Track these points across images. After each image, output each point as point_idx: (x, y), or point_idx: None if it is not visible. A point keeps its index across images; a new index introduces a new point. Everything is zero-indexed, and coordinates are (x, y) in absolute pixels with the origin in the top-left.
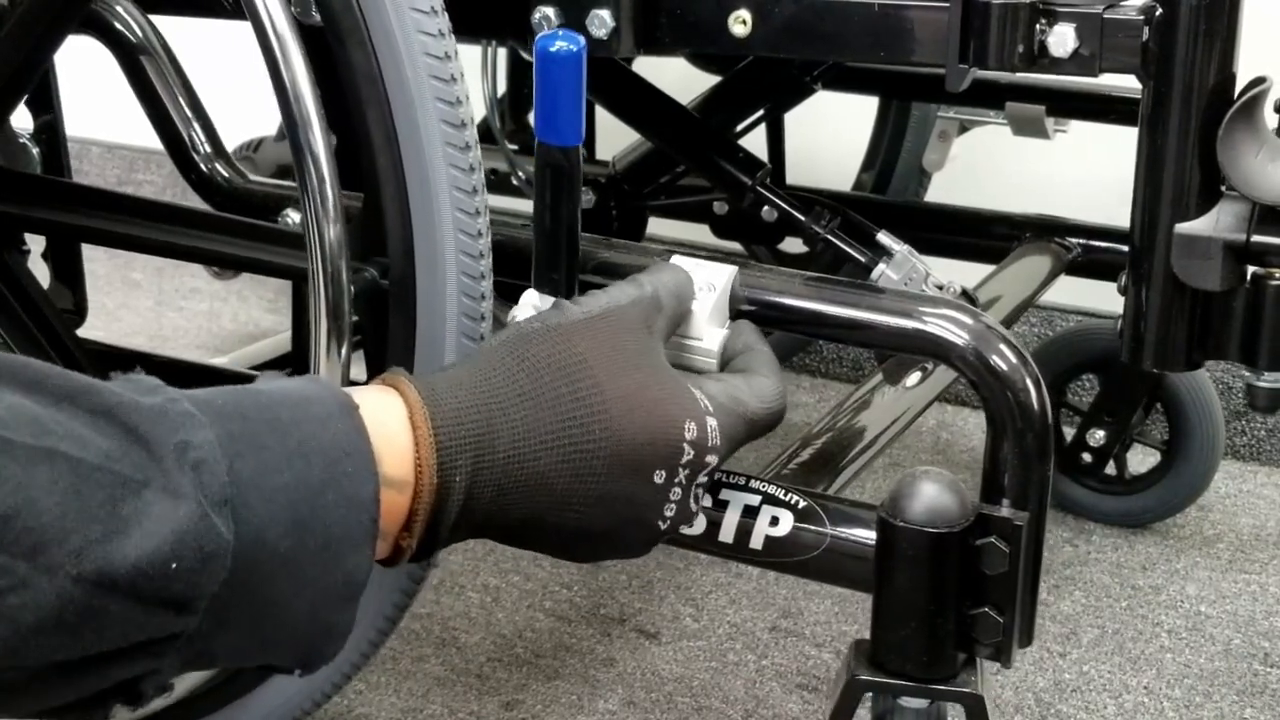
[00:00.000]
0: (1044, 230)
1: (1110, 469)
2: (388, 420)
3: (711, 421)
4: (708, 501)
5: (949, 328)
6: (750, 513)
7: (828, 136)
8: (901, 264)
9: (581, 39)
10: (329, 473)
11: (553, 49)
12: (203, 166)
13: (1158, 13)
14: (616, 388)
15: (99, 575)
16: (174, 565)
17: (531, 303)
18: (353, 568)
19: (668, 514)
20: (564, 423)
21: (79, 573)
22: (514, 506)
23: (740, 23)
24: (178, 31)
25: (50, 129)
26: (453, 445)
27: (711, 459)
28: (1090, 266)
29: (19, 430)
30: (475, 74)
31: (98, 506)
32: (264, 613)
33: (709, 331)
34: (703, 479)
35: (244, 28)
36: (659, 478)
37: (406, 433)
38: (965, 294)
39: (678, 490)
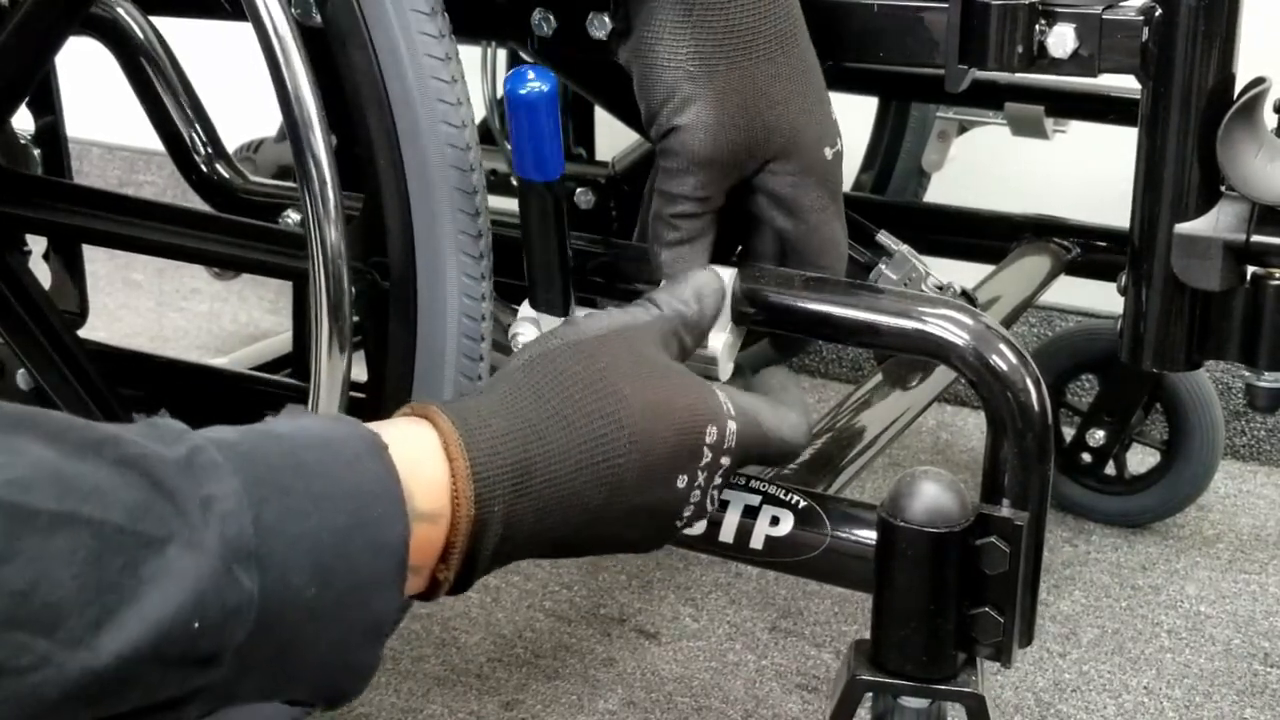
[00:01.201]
0: (1043, 230)
1: (1110, 469)
2: (420, 454)
3: (731, 425)
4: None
5: (949, 328)
6: (750, 513)
7: None
8: (901, 264)
9: (553, 75)
10: (356, 517)
11: (523, 90)
12: (203, 167)
13: (1157, 13)
14: (641, 399)
15: (121, 644)
16: (196, 624)
17: (528, 317)
18: (380, 610)
19: (685, 514)
20: (596, 441)
21: (100, 644)
22: (552, 530)
23: None
24: (178, 32)
25: (51, 130)
26: (489, 476)
27: (725, 460)
28: (1090, 266)
29: (42, 492)
30: (475, 74)
31: (118, 572)
32: (288, 656)
33: (711, 336)
34: (718, 480)
35: (244, 28)
36: (681, 483)
37: (441, 465)
38: (965, 294)
39: (696, 493)
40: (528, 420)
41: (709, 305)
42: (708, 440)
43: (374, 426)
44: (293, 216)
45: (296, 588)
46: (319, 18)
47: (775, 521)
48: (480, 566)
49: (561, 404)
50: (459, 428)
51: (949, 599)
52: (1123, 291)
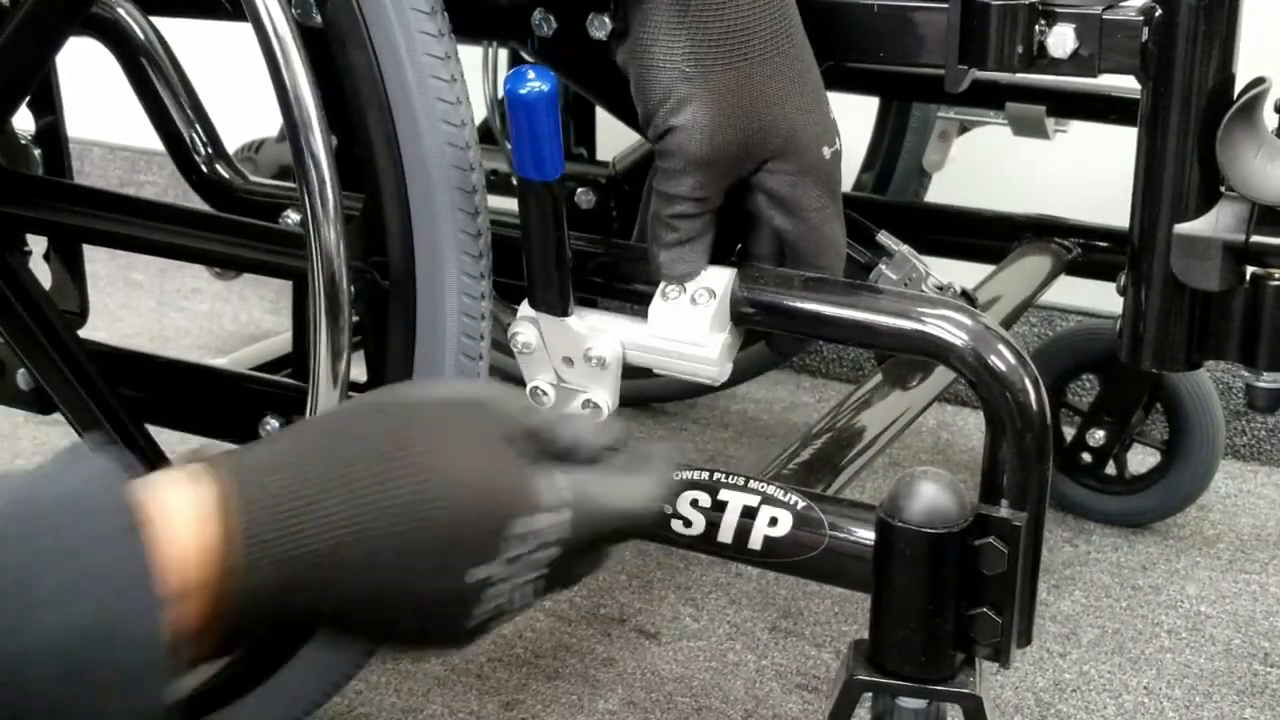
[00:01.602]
0: (1044, 230)
1: (1110, 469)
2: (187, 523)
3: (550, 518)
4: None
5: (948, 328)
6: (749, 513)
7: None
8: (901, 264)
9: (553, 75)
10: (108, 608)
11: (523, 90)
12: (204, 167)
13: (1157, 13)
14: (449, 478)
15: None
16: None
17: (528, 317)
18: (144, 701)
19: (479, 612)
20: (382, 516)
21: None
22: (322, 610)
23: None
24: (178, 32)
25: (52, 130)
26: (256, 550)
27: (541, 555)
28: (1090, 266)
29: None
30: (475, 74)
31: None
32: None
33: (710, 338)
34: (531, 575)
35: (244, 28)
36: (474, 577)
37: (209, 536)
38: (965, 294)
39: (502, 586)
40: (308, 493)
41: (582, 451)
42: (515, 531)
43: (143, 484)
44: (293, 216)
45: (38, 689)
46: (319, 18)
47: (774, 522)
48: (241, 640)
49: (355, 471)
50: (240, 493)
51: (947, 599)
52: (1122, 291)
